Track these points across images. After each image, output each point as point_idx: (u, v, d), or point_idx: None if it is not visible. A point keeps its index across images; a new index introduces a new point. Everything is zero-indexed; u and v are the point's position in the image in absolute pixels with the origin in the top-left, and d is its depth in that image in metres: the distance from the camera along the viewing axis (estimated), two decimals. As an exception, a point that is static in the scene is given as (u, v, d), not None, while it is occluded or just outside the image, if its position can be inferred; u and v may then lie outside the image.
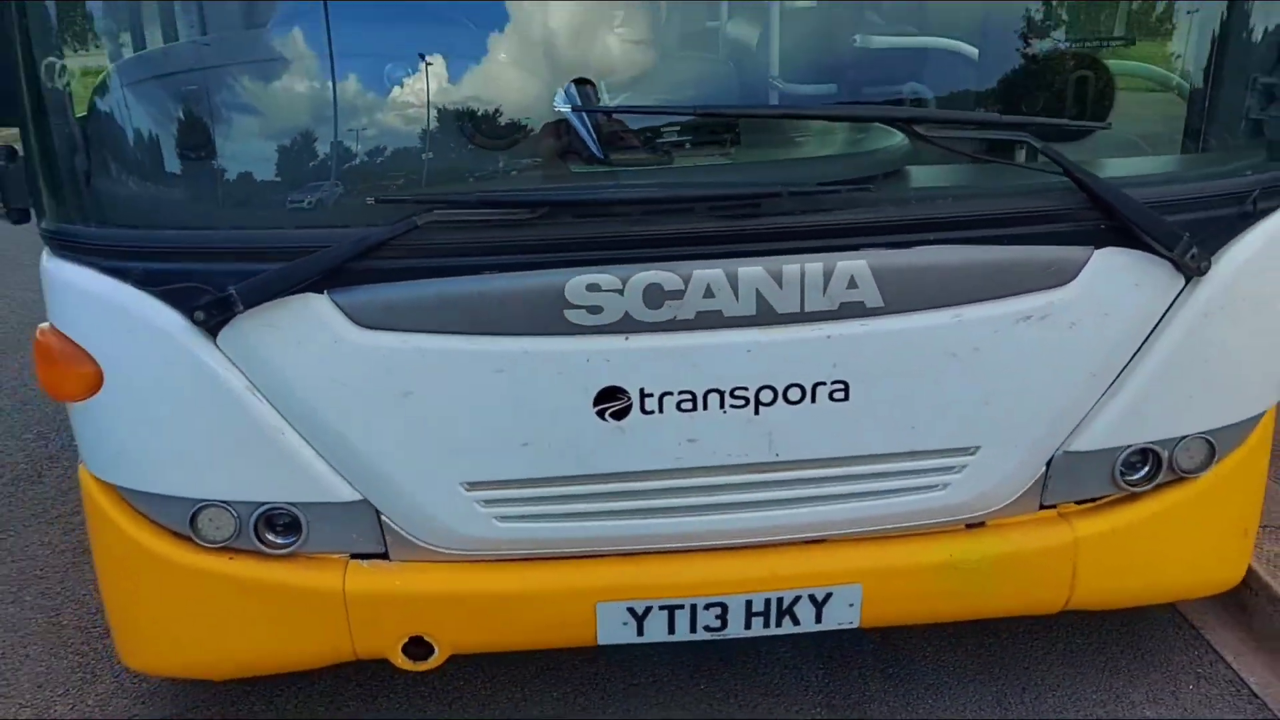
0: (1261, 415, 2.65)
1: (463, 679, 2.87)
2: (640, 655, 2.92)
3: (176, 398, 2.31)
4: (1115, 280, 2.35)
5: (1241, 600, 3.01)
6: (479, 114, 2.36)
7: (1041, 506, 2.59)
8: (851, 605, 2.54)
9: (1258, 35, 2.53)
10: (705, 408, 2.31)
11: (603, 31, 2.49)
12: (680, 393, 2.30)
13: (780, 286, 2.23)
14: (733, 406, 2.32)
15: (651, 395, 2.29)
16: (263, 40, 2.60)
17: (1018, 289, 2.32)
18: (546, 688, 2.85)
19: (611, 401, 2.29)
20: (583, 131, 2.32)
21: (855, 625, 2.57)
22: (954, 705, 2.74)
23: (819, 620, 2.54)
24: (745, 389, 2.31)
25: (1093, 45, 2.77)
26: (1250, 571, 2.96)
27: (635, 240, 2.22)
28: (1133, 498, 2.59)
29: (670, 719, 2.73)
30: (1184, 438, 2.55)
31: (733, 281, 2.21)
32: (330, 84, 2.41)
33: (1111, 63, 2.71)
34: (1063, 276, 2.33)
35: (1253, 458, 2.67)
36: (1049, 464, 2.52)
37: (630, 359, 2.26)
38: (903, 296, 2.28)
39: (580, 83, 2.31)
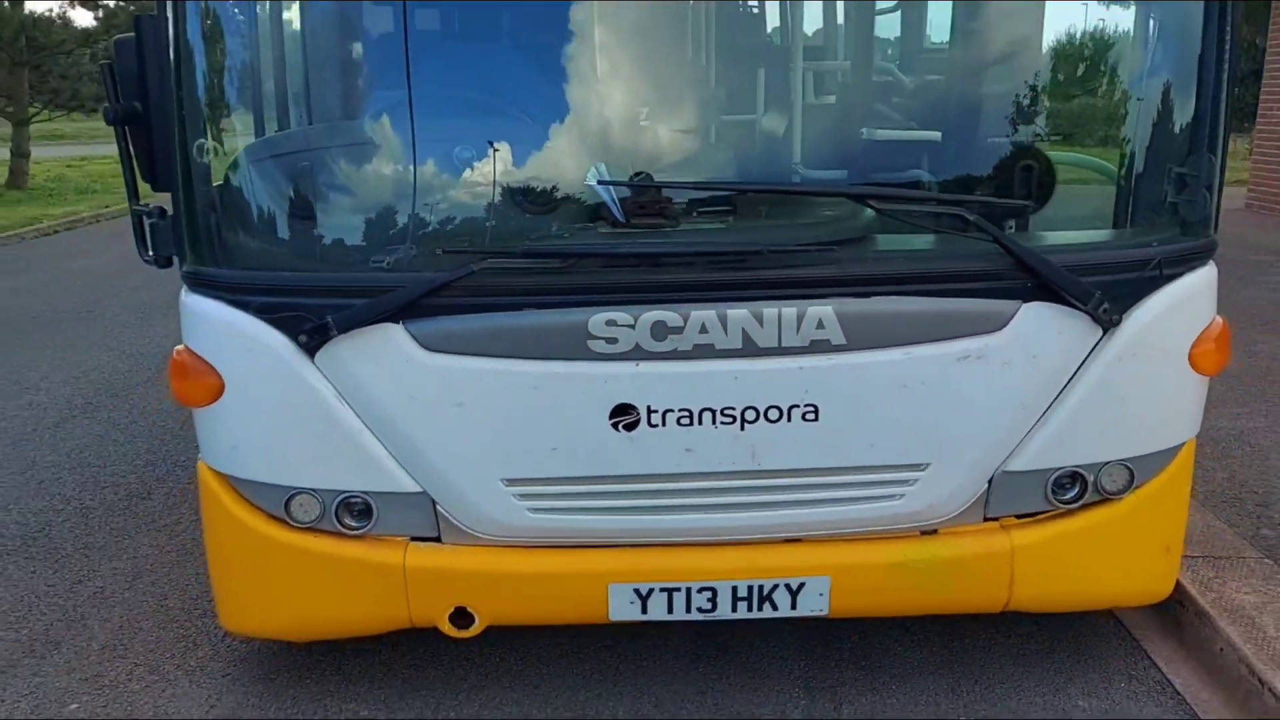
0: (1178, 448, 3.11)
1: (497, 656, 3.39)
2: (649, 644, 3.42)
3: (279, 404, 2.92)
4: (1041, 328, 2.86)
5: (1176, 615, 3.42)
6: (525, 185, 2.97)
7: (985, 519, 3.06)
8: (821, 595, 3.02)
9: (1174, 133, 3.06)
10: (700, 423, 2.85)
11: (625, 122, 3.11)
12: (680, 410, 2.84)
13: (761, 326, 2.78)
14: (722, 423, 2.85)
15: (656, 412, 2.83)
16: (356, 128, 3.26)
17: (959, 333, 2.84)
18: (570, 666, 3.35)
19: (624, 416, 2.83)
20: (608, 200, 2.91)
21: (825, 613, 3.04)
22: (914, 691, 3.18)
23: (794, 607, 3.02)
24: (733, 409, 2.84)
25: (1040, 139, 3.30)
26: (1183, 589, 3.40)
27: (645, 286, 2.79)
28: (1065, 514, 3.06)
29: (675, 718, 3.22)
30: (1106, 463, 3.02)
31: (723, 321, 2.77)
32: (409, 160, 3.03)
33: (1053, 153, 3.24)
34: (996, 324, 2.84)
35: (1173, 484, 3.12)
36: (990, 481, 3.00)
37: (639, 382, 2.81)
38: (862, 336, 2.81)
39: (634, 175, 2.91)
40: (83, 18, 19.77)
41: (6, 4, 17.50)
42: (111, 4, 19.57)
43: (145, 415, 5.99)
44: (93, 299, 9.44)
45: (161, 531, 4.41)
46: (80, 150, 28.30)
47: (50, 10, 18.97)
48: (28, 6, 17.98)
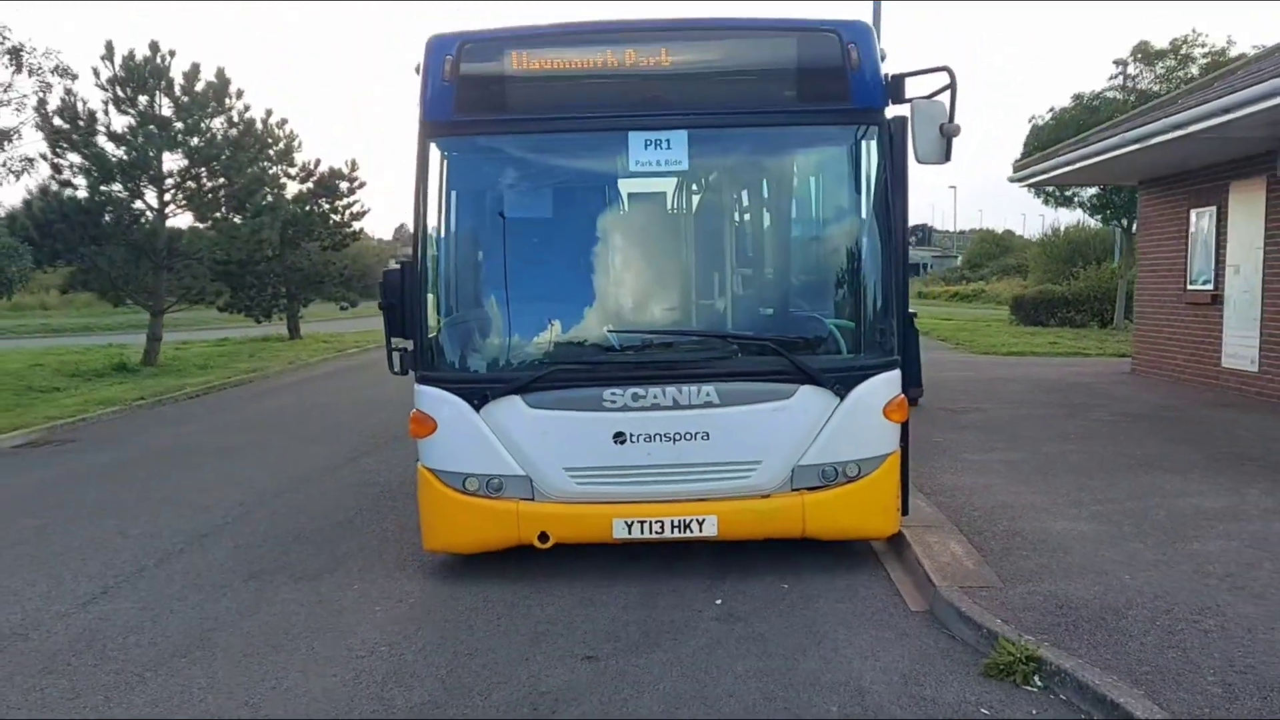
0: (884, 456, 6.46)
1: (557, 565, 6.66)
2: (639, 561, 6.70)
3: (463, 433, 6.38)
4: (811, 398, 6.31)
5: (899, 548, 6.70)
6: (575, 334, 6.52)
7: (792, 489, 6.41)
8: (714, 525, 6.34)
9: (875, 311, 6.57)
10: (654, 441, 6.28)
11: (623, 306, 6.68)
12: (645, 435, 6.27)
13: (681, 394, 6.25)
14: (665, 441, 6.28)
15: (635, 435, 6.27)
16: (490, 309, 6.84)
17: (772, 399, 6.29)
18: (596, 565, 6.60)
19: (620, 438, 6.27)
20: (613, 342, 6.45)
21: (716, 535, 6.35)
22: (762, 576, 6.42)
23: (701, 530, 6.34)
24: (670, 434, 6.27)
25: (818, 312, 6.81)
26: (904, 536, 6.68)
27: (629, 378, 6.28)
28: (829, 487, 6.40)
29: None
30: (847, 461, 6.39)
31: (664, 392, 6.24)
32: (515, 323, 6.58)
33: (827, 320, 6.74)
34: (789, 395, 6.29)
35: (884, 475, 6.46)
36: (793, 470, 6.37)
37: (627, 421, 6.26)
38: (729, 399, 6.26)
39: (626, 330, 6.48)
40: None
41: (152, 218, 21.96)
42: (219, 215, 23.99)
43: (329, 491, 9.46)
44: (256, 436, 13.03)
45: (366, 534, 7.81)
46: (181, 336, 32.66)
47: (184, 226, 23.39)
48: (169, 222, 22.49)
